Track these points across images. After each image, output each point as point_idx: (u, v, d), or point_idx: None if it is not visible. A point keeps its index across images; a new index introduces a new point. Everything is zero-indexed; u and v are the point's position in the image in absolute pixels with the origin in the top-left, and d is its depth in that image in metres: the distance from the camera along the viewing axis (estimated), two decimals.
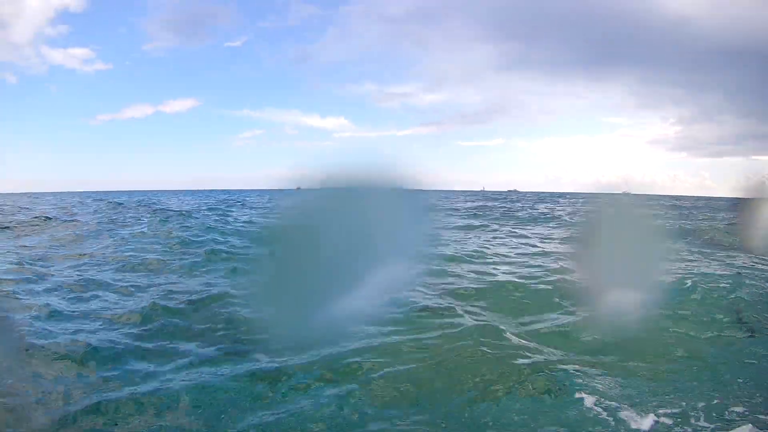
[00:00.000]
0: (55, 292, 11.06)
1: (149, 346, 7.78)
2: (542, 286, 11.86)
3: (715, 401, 6.05)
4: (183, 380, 6.50)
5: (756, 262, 14.81)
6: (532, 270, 13.85)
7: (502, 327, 8.54)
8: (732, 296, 10.55)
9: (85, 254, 16.58)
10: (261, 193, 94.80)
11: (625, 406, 5.82)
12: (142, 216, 33.42)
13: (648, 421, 5.56)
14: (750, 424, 5.23)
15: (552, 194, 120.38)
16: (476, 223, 29.97)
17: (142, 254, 16.13)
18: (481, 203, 56.87)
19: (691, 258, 15.83)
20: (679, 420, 5.60)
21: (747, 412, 5.77)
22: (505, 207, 48.85)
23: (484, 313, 9.94)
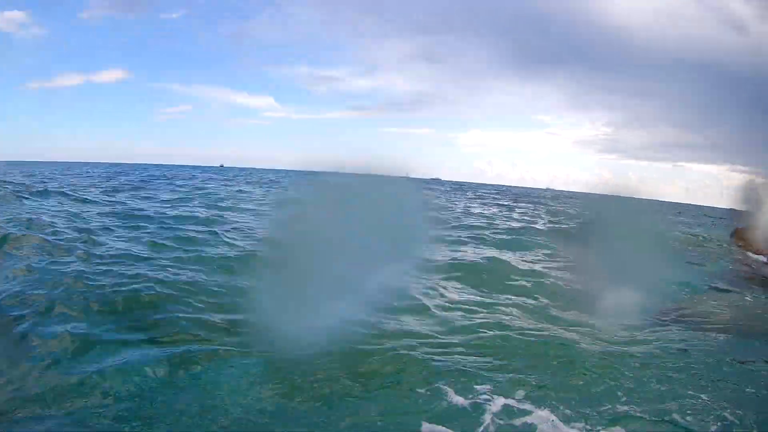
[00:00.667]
0: None
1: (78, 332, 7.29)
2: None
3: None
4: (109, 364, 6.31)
5: None
6: None
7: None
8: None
9: None
10: (183, 169, 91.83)
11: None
12: None
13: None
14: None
15: (471, 185, 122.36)
16: None
17: None
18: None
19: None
20: (535, 404, 5.85)
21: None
22: None
23: None
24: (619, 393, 6.18)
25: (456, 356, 7.12)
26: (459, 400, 5.84)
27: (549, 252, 16.31)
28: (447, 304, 9.79)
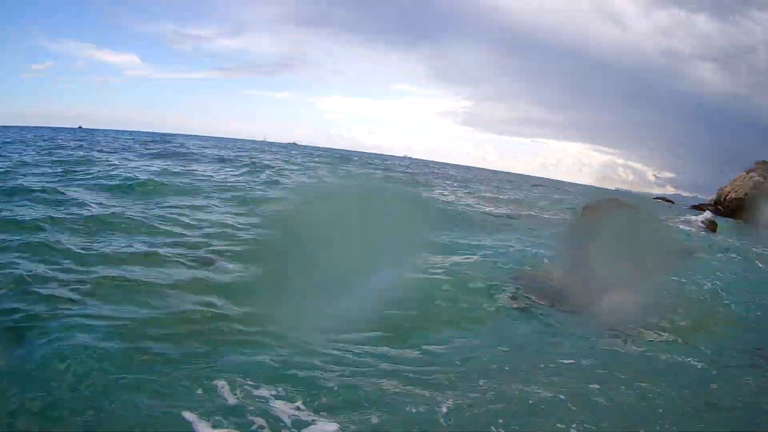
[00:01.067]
0: None
1: None
2: None
3: None
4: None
5: None
6: None
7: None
8: None
9: None
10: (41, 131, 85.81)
11: None
12: None
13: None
14: None
15: (328, 150, 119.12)
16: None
17: None
18: (238, 153, 50.63)
19: None
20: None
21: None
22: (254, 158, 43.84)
23: None
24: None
25: None
26: None
27: None
28: None
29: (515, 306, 9.61)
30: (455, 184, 41.12)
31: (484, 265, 11.90)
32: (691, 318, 10.05)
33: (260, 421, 5.11)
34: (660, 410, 6.10)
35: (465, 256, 12.58)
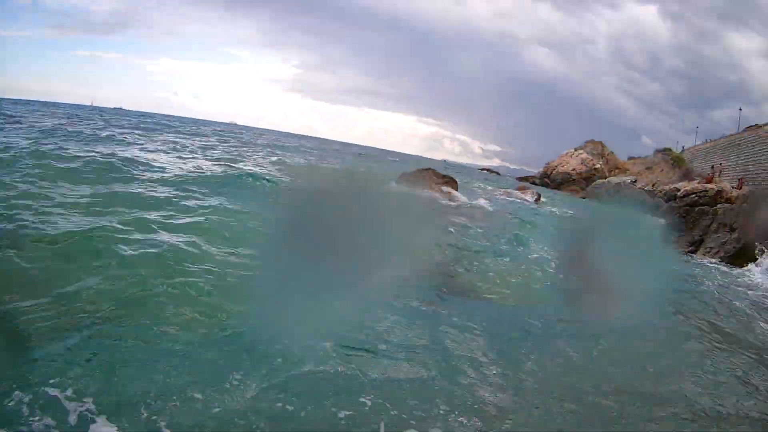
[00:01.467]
0: None
1: None
2: None
3: None
4: None
5: None
6: None
7: None
8: None
9: None
10: None
11: None
12: None
13: None
14: None
15: (151, 115, 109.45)
16: None
17: None
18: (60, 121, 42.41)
19: None
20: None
21: None
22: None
23: None
24: None
25: None
26: None
27: None
28: None
29: None
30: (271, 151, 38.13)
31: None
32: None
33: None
34: None
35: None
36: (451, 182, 19.01)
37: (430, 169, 18.96)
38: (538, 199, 29.60)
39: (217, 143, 39.34)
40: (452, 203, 18.01)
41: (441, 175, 18.45)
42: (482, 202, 19.70)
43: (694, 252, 22.75)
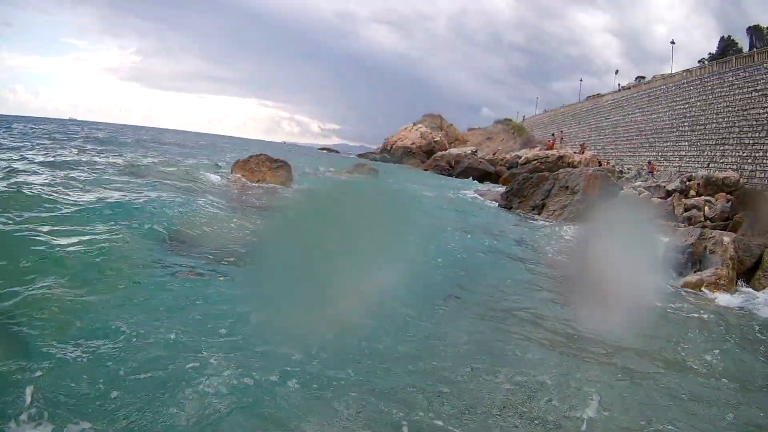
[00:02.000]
0: None
1: None
2: None
3: None
4: None
5: None
6: None
7: None
8: None
9: None
10: None
11: None
12: None
13: None
14: None
15: None
16: None
17: None
18: None
19: None
20: None
21: None
22: None
23: None
24: None
25: None
26: None
27: None
28: None
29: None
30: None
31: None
32: None
33: None
34: None
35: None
36: (284, 166, 18.64)
37: (263, 154, 18.72)
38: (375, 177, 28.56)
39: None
40: (280, 188, 17.79)
41: (274, 160, 18.29)
42: (295, 184, 19.34)
43: (537, 214, 22.32)
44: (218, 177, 18.77)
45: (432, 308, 7.96)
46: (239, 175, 17.82)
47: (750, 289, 11.66)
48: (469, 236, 14.49)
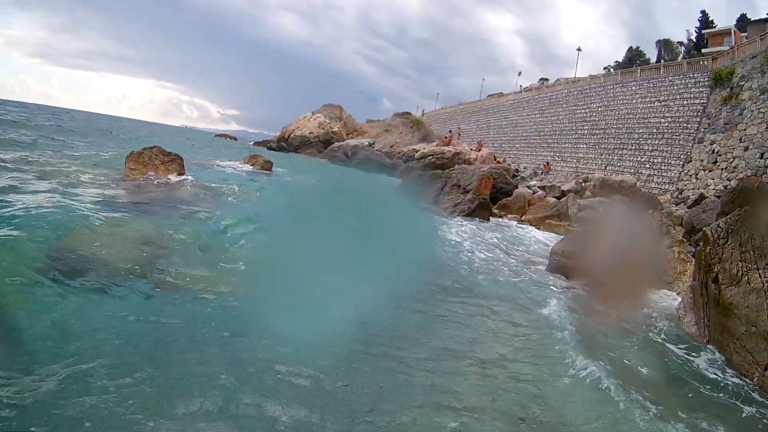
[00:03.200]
0: None
1: None
2: None
3: None
4: None
5: None
6: None
7: None
8: None
9: None
10: None
11: None
12: None
13: None
14: None
15: None
16: None
17: None
18: None
19: None
20: None
21: None
22: None
23: None
24: None
25: None
26: None
27: None
28: None
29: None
30: None
31: None
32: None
33: None
34: None
35: None
36: (176, 159, 17.69)
37: (156, 147, 17.83)
38: (269, 169, 26.71)
39: None
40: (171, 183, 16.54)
41: (166, 153, 17.44)
42: (190, 179, 17.51)
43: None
44: (109, 172, 17.06)
45: None
46: (132, 169, 16.59)
47: None
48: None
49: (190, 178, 17.05)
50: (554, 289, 10.56)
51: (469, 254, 13.31)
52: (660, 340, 8.13)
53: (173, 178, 16.59)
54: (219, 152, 39.66)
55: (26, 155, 16.92)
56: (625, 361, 6.88)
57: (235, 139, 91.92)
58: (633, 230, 13.73)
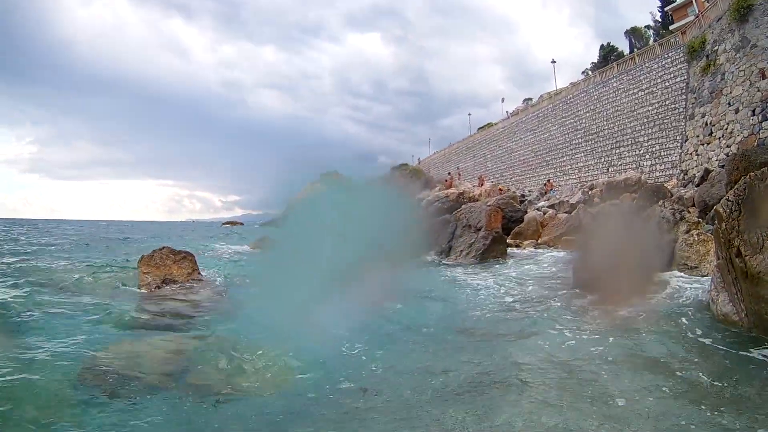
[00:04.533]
0: None
1: None
2: None
3: None
4: None
5: None
6: None
7: None
8: None
9: None
10: None
11: None
12: None
13: None
14: None
15: None
16: None
17: None
18: None
19: None
20: None
21: None
22: None
23: None
24: None
25: None
26: None
27: None
28: None
29: None
30: None
31: None
32: None
33: None
34: None
35: None
36: (187, 257, 17.21)
37: (165, 247, 17.30)
38: None
39: None
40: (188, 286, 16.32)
41: (176, 252, 16.95)
42: (203, 280, 17.36)
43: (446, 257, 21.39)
44: (123, 280, 16.96)
45: None
46: (146, 273, 16.26)
47: None
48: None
49: (202, 273, 16.97)
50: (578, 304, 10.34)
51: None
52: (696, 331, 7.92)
53: (185, 276, 16.35)
54: (227, 239, 39.99)
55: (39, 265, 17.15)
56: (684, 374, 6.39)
57: (242, 224, 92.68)
58: (629, 226, 13.58)
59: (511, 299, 12.14)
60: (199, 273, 17.02)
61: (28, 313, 10.83)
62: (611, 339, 7.77)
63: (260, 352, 8.77)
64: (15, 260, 19.72)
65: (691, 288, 10.36)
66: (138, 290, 15.37)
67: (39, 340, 8.85)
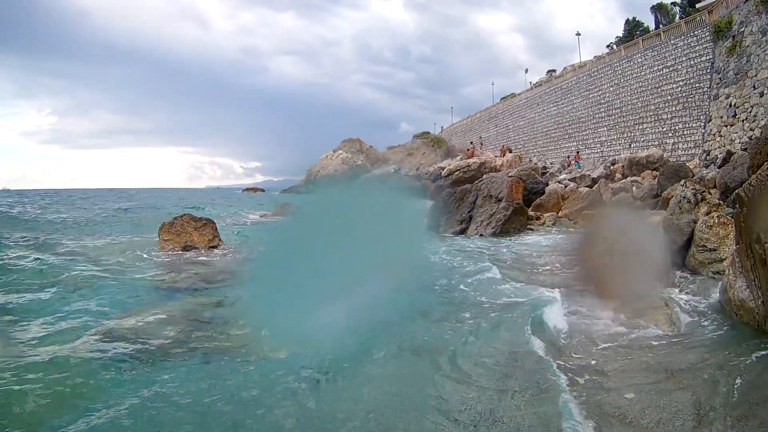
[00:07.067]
0: None
1: None
2: None
3: None
4: None
5: None
6: None
7: None
8: None
9: None
10: None
11: None
12: None
13: None
14: None
15: None
16: None
17: None
18: None
19: None
20: None
21: None
22: None
23: None
24: None
25: None
26: None
27: None
28: None
29: None
30: None
31: None
32: None
33: None
34: None
35: None
36: (208, 224, 17.80)
37: (186, 214, 18.15)
38: None
39: None
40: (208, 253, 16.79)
41: (197, 219, 17.72)
42: (221, 251, 17.62)
43: (464, 231, 21.00)
44: (144, 247, 17.69)
45: None
46: (166, 240, 16.95)
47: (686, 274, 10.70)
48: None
49: (221, 241, 17.42)
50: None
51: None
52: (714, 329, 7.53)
53: (206, 243, 16.94)
54: (248, 205, 40.30)
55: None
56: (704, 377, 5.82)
57: (263, 190, 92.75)
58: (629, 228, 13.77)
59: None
60: (220, 239, 17.44)
61: (49, 281, 11.39)
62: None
63: (281, 317, 9.21)
64: (38, 234, 19.96)
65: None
66: (158, 257, 15.78)
67: (59, 305, 9.39)
